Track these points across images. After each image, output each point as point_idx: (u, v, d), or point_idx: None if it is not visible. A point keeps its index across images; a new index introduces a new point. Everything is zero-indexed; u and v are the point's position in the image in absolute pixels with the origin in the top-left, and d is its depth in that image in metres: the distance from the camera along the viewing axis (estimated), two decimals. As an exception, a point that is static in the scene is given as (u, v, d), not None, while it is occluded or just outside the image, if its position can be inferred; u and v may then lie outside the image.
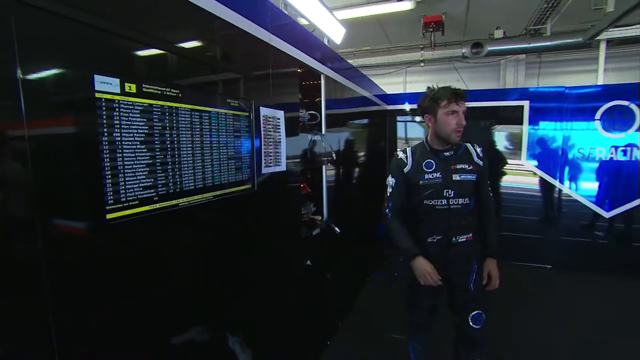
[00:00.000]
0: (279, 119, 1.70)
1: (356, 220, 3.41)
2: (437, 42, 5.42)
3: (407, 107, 4.71)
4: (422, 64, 5.87)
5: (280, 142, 1.73)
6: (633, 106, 3.80)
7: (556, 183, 4.15)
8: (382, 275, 3.91)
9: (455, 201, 1.73)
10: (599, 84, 4.42)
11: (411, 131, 4.84)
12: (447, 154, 1.75)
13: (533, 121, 4.18)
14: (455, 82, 6.62)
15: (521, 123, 4.20)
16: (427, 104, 1.71)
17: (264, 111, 1.56)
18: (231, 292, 1.42)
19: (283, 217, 1.87)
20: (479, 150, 1.83)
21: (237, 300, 1.46)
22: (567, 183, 4.12)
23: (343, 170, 3.01)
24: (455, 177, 1.73)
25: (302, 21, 3.34)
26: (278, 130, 1.70)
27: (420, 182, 1.72)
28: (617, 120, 3.88)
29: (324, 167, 2.46)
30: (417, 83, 6.92)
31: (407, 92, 6.59)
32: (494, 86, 6.57)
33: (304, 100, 2.27)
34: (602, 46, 4.30)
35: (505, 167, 4.38)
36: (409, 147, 1.85)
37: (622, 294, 3.42)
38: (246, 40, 1.46)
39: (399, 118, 4.82)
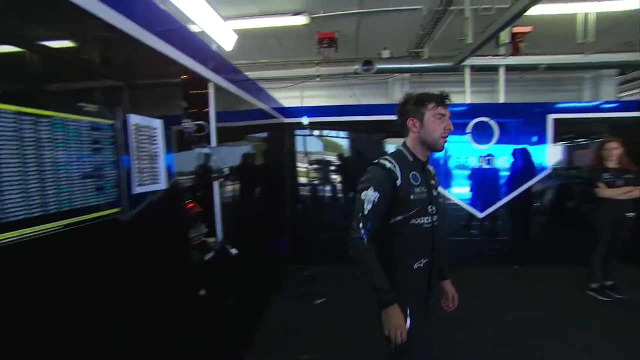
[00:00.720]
0: (155, 129, 1.45)
1: (256, 238, 3.24)
2: (332, 58, 5.63)
3: (305, 120, 4.74)
4: (318, 79, 6.03)
5: (157, 155, 1.47)
6: (492, 122, 4.47)
7: (444, 191, 4.63)
8: (287, 292, 3.79)
9: (437, 218, 1.57)
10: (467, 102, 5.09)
11: (311, 145, 4.90)
12: (427, 166, 1.61)
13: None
14: (349, 98, 7.07)
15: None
16: (412, 106, 1.51)
17: (134, 119, 1.30)
18: None
19: (165, 243, 1.60)
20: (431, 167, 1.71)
21: None
22: (449, 189, 4.63)
23: (240, 186, 2.82)
24: (434, 192, 1.59)
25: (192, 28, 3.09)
26: (155, 142, 1.45)
27: (412, 197, 1.47)
28: (482, 133, 4.51)
29: (216, 183, 2.25)
30: (314, 98, 7.10)
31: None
32: (383, 102, 7.12)
33: (191, 110, 2.04)
34: (467, 71, 5.00)
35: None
36: (386, 156, 1.53)
37: (493, 280, 4.00)
38: (110, 33, 1.21)
39: (297, 132, 4.82)
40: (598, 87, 6.94)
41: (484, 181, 4.56)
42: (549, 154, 4.54)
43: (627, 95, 7.10)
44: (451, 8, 4.27)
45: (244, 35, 4.97)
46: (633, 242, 3.52)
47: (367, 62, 5.10)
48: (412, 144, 1.54)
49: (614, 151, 3.50)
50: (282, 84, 6.63)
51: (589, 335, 2.85)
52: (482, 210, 4.56)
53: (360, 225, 1.42)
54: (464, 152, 4.58)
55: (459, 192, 4.62)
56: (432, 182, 1.61)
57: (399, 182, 1.45)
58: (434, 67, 5.20)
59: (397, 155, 1.54)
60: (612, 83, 6.90)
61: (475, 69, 5.06)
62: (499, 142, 4.46)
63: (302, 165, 4.88)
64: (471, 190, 4.62)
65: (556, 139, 4.51)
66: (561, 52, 4.99)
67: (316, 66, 5.68)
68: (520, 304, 3.41)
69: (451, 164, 4.61)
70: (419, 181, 1.51)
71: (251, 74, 5.10)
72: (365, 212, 1.42)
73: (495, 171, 4.52)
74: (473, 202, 4.59)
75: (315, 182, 4.93)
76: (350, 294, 3.64)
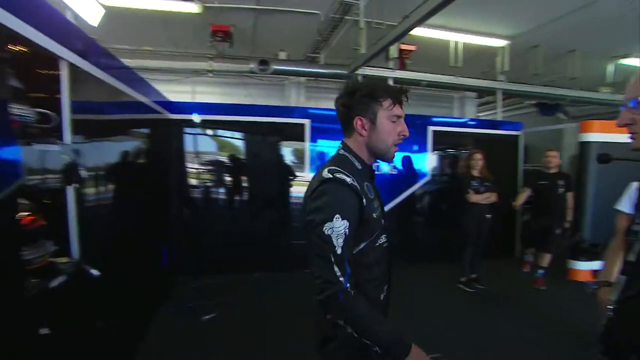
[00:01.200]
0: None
1: (132, 251, 2.77)
2: (226, 54, 5.30)
3: (196, 117, 4.35)
4: (211, 75, 5.62)
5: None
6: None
7: None
8: (172, 308, 3.37)
9: (388, 235, 1.28)
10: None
11: (202, 145, 4.52)
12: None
13: (313, 138, 4.62)
14: (244, 97, 6.80)
15: (304, 140, 4.59)
16: (361, 101, 1.15)
17: None
18: None
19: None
20: None
21: None
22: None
23: (112, 191, 2.37)
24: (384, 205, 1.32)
25: None
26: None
27: (374, 216, 1.15)
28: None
29: (70, 188, 1.80)
30: (207, 94, 6.62)
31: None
32: (280, 104, 7.05)
33: (30, 94, 1.56)
34: (360, 80, 5.23)
35: (293, 180, 4.70)
36: (333, 166, 1.13)
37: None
38: None
39: (187, 130, 4.39)
40: (464, 107, 8.07)
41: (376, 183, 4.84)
42: (429, 162, 5.07)
43: (484, 115, 8.44)
44: (347, 17, 4.40)
45: (122, 16, 4.32)
46: (489, 239, 4.14)
47: (264, 62, 4.93)
48: (358, 149, 1.19)
49: (479, 162, 4.06)
50: (170, 77, 5.99)
51: (458, 318, 3.33)
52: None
53: (337, 271, 1.00)
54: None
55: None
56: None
57: (364, 200, 1.10)
58: (329, 74, 5.32)
59: (343, 163, 1.15)
60: (473, 104, 8.10)
61: (367, 78, 5.33)
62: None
63: (192, 166, 4.47)
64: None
65: (434, 149, 5.07)
66: (438, 72, 5.61)
67: (209, 60, 5.27)
68: (401, 300, 3.66)
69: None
70: (373, 194, 1.18)
71: (132, 62, 4.48)
72: (339, 251, 1.01)
73: (382, 177, 4.82)
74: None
75: (208, 184, 4.56)
76: (245, 306, 3.48)
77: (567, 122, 7.53)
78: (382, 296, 1.23)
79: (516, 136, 5.57)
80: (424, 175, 5.04)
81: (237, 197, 4.66)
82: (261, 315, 3.32)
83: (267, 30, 5.29)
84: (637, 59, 5.98)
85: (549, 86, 6.18)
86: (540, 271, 4.18)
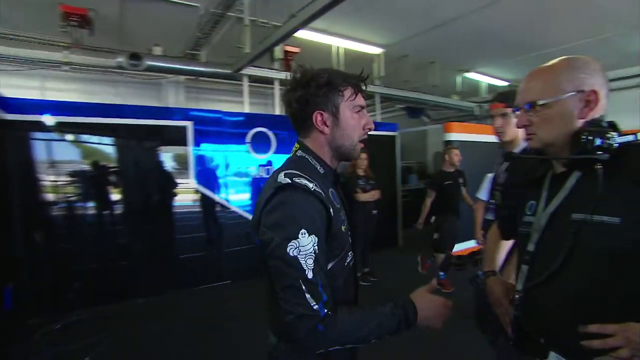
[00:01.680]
0: None
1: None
2: (87, 44, 4.51)
3: (49, 119, 3.56)
4: (67, 68, 4.70)
5: None
6: (270, 133, 4.68)
7: (219, 198, 4.44)
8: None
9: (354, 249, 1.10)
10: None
11: (62, 152, 3.69)
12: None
13: (197, 142, 4.27)
14: (112, 97, 5.92)
15: (186, 144, 4.20)
16: (318, 92, 0.96)
17: None
18: None
19: None
20: None
21: None
22: (230, 198, 4.51)
23: None
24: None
25: None
26: None
27: (343, 228, 0.98)
28: (261, 143, 4.65)
29: None
30: (61, 92, 5.57)
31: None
32: (156, 105, 6.37)
33: None
34: (245, 80, 5.06)
35: (175, 188, 4.27)
36: (291, 169, 0.94)
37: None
38: None
39: (37, 135, 3.55)
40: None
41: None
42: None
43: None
44: (229, 14, 4.17)
45: None
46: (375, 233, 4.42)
47: (135, 57, 4.33)
48: (320, 150, 1.02)
49: (364, 161, 4.29)
50: (10, 66, 4.82)
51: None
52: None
53: (309, 299, 0.81)
54: (244, 162, 4.60)
55: (241, 200, 4.59)
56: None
57: (331, 210, 0.92)
58: (212, 72, 4.97)
59: (302, 166, 0.97)
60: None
61: (252, 79, 5.18)
62: (276, 152, 4.72)
63: (47, 179, 3.64)
64: (252, 199, 4.68)
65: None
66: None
67: (64, 50, 4.39)
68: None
69: (231, 173, 4.53)
70: (339, 202, 1.01)
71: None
72: (309, 275, 0.82)
73: (260, 180, 4.73)
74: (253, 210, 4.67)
75: (71, 199, 3.77)
76: (128, 341, 2.95)
77: (429, 124, 8.70)
78: None
79: (393, 136, 6.14)
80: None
81: (108, 212, 3.97)
82: (151, 349, 2.87)
83: (138, 21, 4.68)
84: (476, 74, 7.28)
85: (416, 91, 6.99)
86: (441, 273, 4.06)
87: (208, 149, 4.38)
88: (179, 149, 4.24)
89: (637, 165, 0.79)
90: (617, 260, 0.78)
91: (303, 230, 0.83)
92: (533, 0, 4.18)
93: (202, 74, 5.06)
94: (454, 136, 5.01)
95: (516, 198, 1.12)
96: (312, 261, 0.83)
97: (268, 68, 5.16)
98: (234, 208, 4.54)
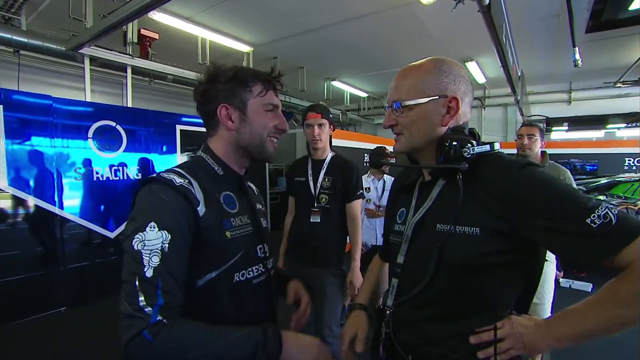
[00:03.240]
0: None
1: None
2: None
3: None
4: None
5: None
6: (119, 127, 3.95)
7: (55, 209, 3.52)
8: None
9: (270, 262, 1.01)
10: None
11: None
12: (247, 183, 1.05)
13: (14, 133, 3.28)
14: None
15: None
16: (224, 87, 0.92)
17: None
18: None
19: None
20: (253, 185, 1.18)
21: None
22: (67, 207, 3.61)
23: None
24: (263, 222, 1.04)
25: None
26: None
27: (228, 235, 0.86)
28: (108, 139, 3.89)
29: None
30: None
31: None
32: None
33: None
34: (87, 62, 4.15)
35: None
36: (176, 168, 0.88)
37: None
38: None
39: None
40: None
41: (114, 195, 3.94)
42: (179, 162, 4.63)
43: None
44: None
45: None
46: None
47: None
48: (223, 149, 0.96)
49: None
50: None
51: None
52: (114, 230, 3.93)
53: (141, 300, 0.69)
54: (87, 161, 3.76)
55: (84, 209, 3.73)
56: (259, 206, 1.07)
57: (201, 209, 0.82)
58: (40, 47, 3.92)
59: (194, 166, 0.93)
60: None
61: (99, 62, 4.30)
62: (127, 150, 4.02)
63: None
64: (100, 206, 3.87)
65: (183, 149, 4.69)
66: (186, 69, 5.23)
67: None
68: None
69: (69, 175, 3.64)
70: (237, 207, 0.93)
71: None
72: (148, 273, 0.72)
73: (126, 182, 4.03)
74: (102, 220, 3.86)
75: None
76: None
77: (298, 128, 8.93)
78: None
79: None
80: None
81: None
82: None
83: None
84: (340, 83, 7.79)
85: (286, 94, 7.04)
86: None
87: (30, 143, 3.40)
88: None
89: (489, 174, 0.80)
90: (480, 271, 0.78)
91: (152, 224, 0.75)
92: (388, 21, 4.64)
93: (23, 46, 3.93)
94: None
95: (390, 206, 1.10)
96: (157, 259, 0.73)
97: (120, 52, 4.36)
98: (76, 219, 3.66)
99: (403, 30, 4.89)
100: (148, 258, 0.72)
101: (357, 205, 2.12)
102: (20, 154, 3.34)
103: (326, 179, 2.09)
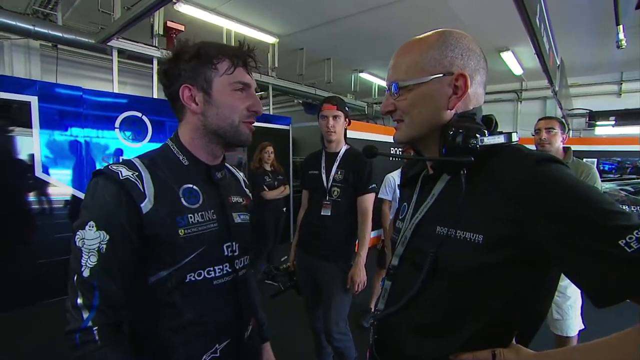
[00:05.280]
0: None
1: None
2: None
3: None
4: None
5: None
6: (145, 118, 4.06)
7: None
8: None
9: (241, 262, 0.92)
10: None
11: None
12: (219, 174, 0.93)
13: (48, 124, 3.45)
14: None
15: (30, 125, 3.35)
16: (187, 66, 0.83)
17: None
18: None
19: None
20: (241, 174, 1.12)
21: None
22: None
23: None
24: (236, 218, 0.94)
25: None
26: None
27: (180, 233, 0.79)
28: (134, 130, 4.01)
29: None
30: None
31: None
32: (-2, 73, 5.04)
33: None
34: (115, 54, 4.28)
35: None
36: (134, 157, 0.83)
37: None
38: None
39: None
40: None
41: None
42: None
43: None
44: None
45: None
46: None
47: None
48: (189, 135, 0.88)
49: (271, 154, 3.96)
50: None
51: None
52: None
53: (79, 300, 0.68)
54: (116, 150, 3.90)
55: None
56: (236, 199, 0.98)
57: (145, 205, 0.75)
58: (73, 41, 4.08)
59: (155, 155, 0.86)
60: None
61: (126, 55, 4.43)
62: (152, 140, 4.12)
63: None
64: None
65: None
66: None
67: None
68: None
69: (97, 163, 3.79)
70: (201, 201, 0.85)
71: None
72: (85, 273, 0.69)
73: None
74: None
75: None
76: None
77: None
78: (207, 358, 0.83)
79: (287, 130, 6.01)
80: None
81: None
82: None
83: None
84: (368, 75, 7.57)
85: (311, 87, 6.96)
86: None
87: (63, 133, 3.57)
88: (21, 131, 3.35)
89: (499, 169, 0.66)
90: (478, 286, 0.65)
91: (91, 223, 0.71)
92: (416, 9, 4.43)
93: (58, 40, 4.12)
94: (350, 134, 5.06)
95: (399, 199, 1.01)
96: (94, 259, 0.70)
97: (147, 45, 4.46)
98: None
99: (432, 18, 4.65)
100: (87, 257, 0.70)
101: (369, 199, 2.06)
102: (55, 143, 3.51)
103: (339, 172, 2.06)
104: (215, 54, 0.84)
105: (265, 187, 3.85)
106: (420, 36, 0.77)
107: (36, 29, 3.86)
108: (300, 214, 2.28)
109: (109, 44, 3.97)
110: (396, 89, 0.75)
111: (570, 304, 2.16)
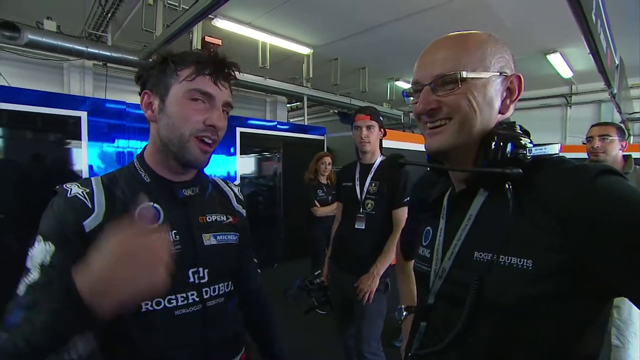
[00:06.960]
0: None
1: None
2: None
3: None
4: None
5: None
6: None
7: None
8: None
9: (213, 290, 0.81)
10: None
11: None
12: (188, 191, 0.83)
13: (97, 136, 3.66)
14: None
15: (79, 138, 3.57)
16: (151, 72, 0.78)
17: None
18: None
19: None
20: (236, 189, 1.01)
21: None
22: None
23: None
24: (208, 239, 0.83)
25: None
26: None
27: None
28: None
29: None
30: None
31: None
32: (57, 91, 5.47)
33: None
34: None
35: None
36: (100, 175, 0.80)
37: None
38: None
39: None
40: (275, 110, 8.25)
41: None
42: (238, 164, 4.83)
43: (293, 120, 8.89)
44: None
45: None
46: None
47: (11, 26, 3.56)
48: (150, 149, 0.82)
49: (329, 166, 3.57)
50: None
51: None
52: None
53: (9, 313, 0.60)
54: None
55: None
56: (214, 218, 0.86)
57: (93, 220, 0.70)
58: (120, 59, 4.34)
59: (119, 172, 0.81)
60: (284, 108, 8.38)
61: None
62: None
63: None
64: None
65: (243, 151, 4.86)
66: (247, 72, 5.41)
67: None
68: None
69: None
70: (160, 221, 0.77)
71: None
72: (22, 290, 0.62)
73: None
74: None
75: None
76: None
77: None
78: None
79: (321, 140, 5.99)
80: (232, 179, 4.75)
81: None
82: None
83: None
84: (404, 83, 7.39)
85: (346, 96, 6.92)
86: None
87: (110, 144, 3.77)
88: (72, 143, 3.58)
89: (548, 184, 0.57)
90: (531, 319, 0.55)
91: (39, 237, 0.67)
92: (453, 13, 4.27)
93: (107, 59, 4.40)
94: (386, 143, 4.96)
95: (414, 221, 0.90)
96: (36, 275, 0.63)
97: (186, 59, 4.64)
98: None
99: (471, 22, 4.47)
100: (30, 273, 0.63)
101: (403, 212, 1.92)
102: (102, 154, 3.72)
103: (373, 184, 1.98)
104: (179, 60, 0.76)
105: (316, 202, 3.48)
106: (462, 32, 0.67)
107: (89, 50, 4.14)
108: (334, 226, 2.21)
109: (150, 60, 4.17)
110: (440, 82, 0.63)
111: (634, 331, 1.91)
